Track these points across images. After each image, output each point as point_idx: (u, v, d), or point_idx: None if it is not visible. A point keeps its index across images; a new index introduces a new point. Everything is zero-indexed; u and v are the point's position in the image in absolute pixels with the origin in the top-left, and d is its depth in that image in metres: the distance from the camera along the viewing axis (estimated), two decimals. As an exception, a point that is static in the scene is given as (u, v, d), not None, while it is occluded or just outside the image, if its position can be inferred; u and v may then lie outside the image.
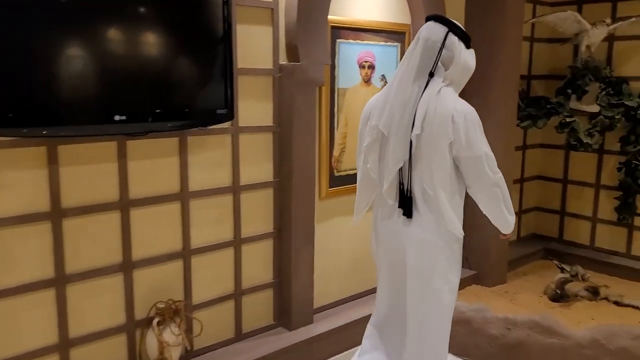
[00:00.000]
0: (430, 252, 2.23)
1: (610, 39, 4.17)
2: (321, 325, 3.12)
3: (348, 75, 3.23)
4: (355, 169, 3.37)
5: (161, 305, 2.52)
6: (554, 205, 4.73)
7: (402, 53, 3.47)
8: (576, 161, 4.53)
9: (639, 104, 4.00)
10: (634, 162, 4.10)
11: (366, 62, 3.30)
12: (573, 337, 2.98)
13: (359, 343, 3.26)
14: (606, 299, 3.77)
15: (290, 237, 2.98)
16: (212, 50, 2.40)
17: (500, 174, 2.25)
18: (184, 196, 2.60)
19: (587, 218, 4.53)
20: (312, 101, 2.95)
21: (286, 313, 3.06)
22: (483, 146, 2.14)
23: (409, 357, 2.39)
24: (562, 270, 3.77)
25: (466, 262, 3.99)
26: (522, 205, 4.68)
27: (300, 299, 3.05)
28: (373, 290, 3.59)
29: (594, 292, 3.78)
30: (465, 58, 2.18)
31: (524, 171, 4.63)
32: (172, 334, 2.50)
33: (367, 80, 3.33)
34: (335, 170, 3.26)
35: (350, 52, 3.20)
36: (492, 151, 2.22)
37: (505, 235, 2.45)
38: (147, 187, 2.48)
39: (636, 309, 3.63)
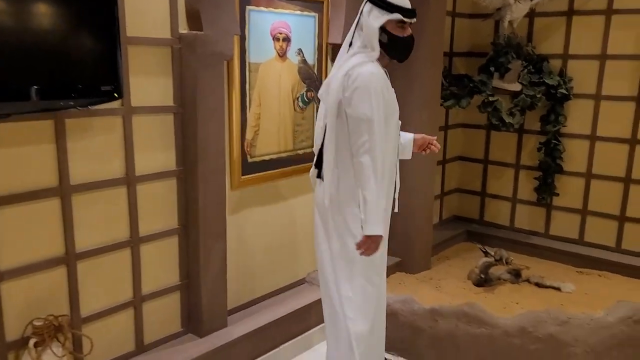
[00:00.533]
0: (326, 215, 2.32)
1: (531, 15, 4.08)
2: (236, 329, 2.80)
3: (261, 48, 2.88)
4: (272, 154, 3.06)
5: (38, 323, 2.09)
6: (475, 187, 4.64)
7: (320, 24, 3.16)
8: (497, 141, 4.45)
9: (559, 83, 3.94)
10: (553, 141, 4.06)
11: (280, 33, 2.96)
12: (501, 326, 2.86)
13: (279, 344, 2.99)
14: (528, 280, 3.71)
15: (198, 232, 2.62)
16: (92, 14, 1.96)
17: (378, 152, 2.14)
18: (64, 191, 2.16)
19: (507, 199, 4.48)
20: (219, 77, 2.58)
21: (196, 318, 2.71)
22: (366, 109, 2.14)
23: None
24: (486, 254, 3.67)
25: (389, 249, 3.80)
26: (444, 187, 4.56)
27: (211, 301, 2.71)
28: (293, 285, 3.32)
29: (516, 275, 3.72)
30: (372, 19, 2.22)
31: (445, 152, 4.50)
32: (54, 356, 2.09)
33: (282, 55, 2.99)
34: (248, 156, 2.91)
35: (263, 21, 2.85)
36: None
37: (361, 242, 2.23)
38: (13, 181, 2.03)
39: (557, 290, 3.59)
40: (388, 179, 2.34)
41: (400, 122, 2.48)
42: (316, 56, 3.18)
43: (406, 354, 3.03)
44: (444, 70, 4.02)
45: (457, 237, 4.48)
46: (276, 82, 2.98)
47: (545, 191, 4.16)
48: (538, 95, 3.92)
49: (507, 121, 3.88)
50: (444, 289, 3.55)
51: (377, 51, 2.23)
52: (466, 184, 4.69)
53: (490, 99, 3.83)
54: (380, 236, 2.20)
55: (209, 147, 2.58)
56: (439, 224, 4.56)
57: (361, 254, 2.23)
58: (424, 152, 2.58)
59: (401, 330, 3.03)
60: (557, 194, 4.16)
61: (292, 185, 3.20)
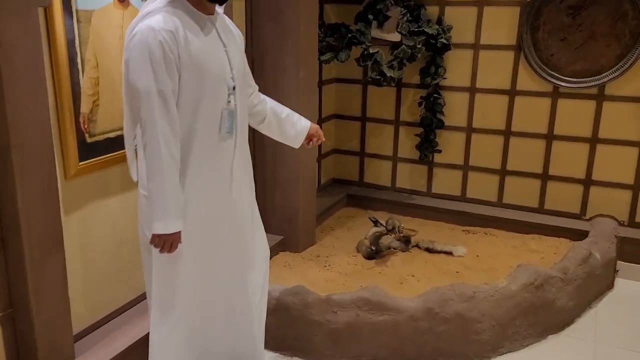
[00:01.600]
0: (139, 202, 1.98)
1: (406, -45, 3.72)
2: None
3: (91, -10, 2.16)
4: (119, 130, 2.38)
5: None
6: (353, 147, 4.30)
7: (170, -39, 2.47)
8: (374, 97, 4.12)
9: (438, 32, 3.65)
10: (434, 95, 3.81)
11: (117, -30, 2.24)
12: (405, 310, 2.56)
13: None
14: (417, 246, 3.49)
15: (20, 244, 1.92)
16: None
17: (160, 132, 1.71)
18: None
19: (387, 158, 4.20)
20: (33, 30, 1.84)
21: (30, 355, 2.04)
22: (143, 78, 1.69)
23: None
24: (376, 224, 3.36)
25: (269, 226, 3.34)
26: (321, 149, 4.15)
27: (49, 330, 2.05)
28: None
29: (405, 242, 3.46)
30: None
31: (321, 111, 4.07)
32: None
33: (121, -1, 2.29)
34: (87, 135, 2.22)
35: (90, -47, 2.12)
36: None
37: (151, 240, 1.83)
38: None
39: (449, 254, 3.41)
40: (210, 168, 1.91)
41: (251, 89, 2.10)
42: None
43: (301, 353, 2.63)
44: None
45: (338, 203, 4.14)
46: (117, 36, 2.29)
47: (427, 148, 3.93)
48: (418, 46, 3.60)
49: (388, 75, 3.53)
50: (335, 267, 3.18)
51: None
52: (344, 144, 4.33)
53: (371, 50, 3.44)
54: (173, 234, 1.79)
55: (25, 126, 1.86)
56: (318, 189, 4.17)
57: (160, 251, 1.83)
58: (308, 145, 2.26)
59: (295, 327, 2.61)
60: (440, 151, 3.96)
61: (149, 166, 2.56)
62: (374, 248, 3.30)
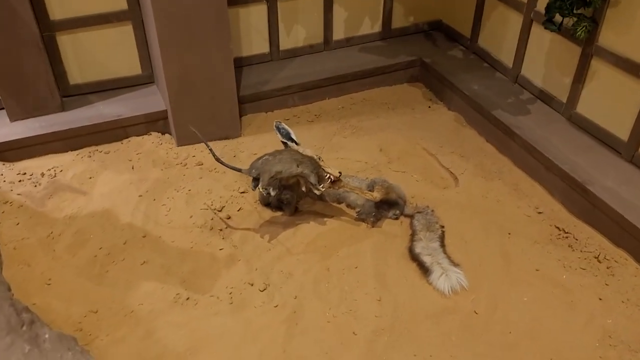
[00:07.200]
0: None
1: None
2: None
3: None
4: None
5: None
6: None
7: None
8: None
9: None
10: None
11: None
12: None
13: None
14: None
15: None
16: None
17: None
18: None
19: (518, 7, 1.91)
20: None
21: None
22: None
23: None
24: (286, 145, 1.55)
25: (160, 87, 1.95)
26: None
27: None
28: None
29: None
30: None
31: None
32: None
33: None
34: None
35: None
36: None
37: None
38: None
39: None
40: None
41: None
42: None
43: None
44: None
45: (400, 69, 2.19)
46: None
47: (562, 7, 1.55)
48: None
49: None
50: (176, 216, 1.65)
51: None
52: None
53: None
54: None
55: None
56: (381, 34, 2.28)
57: None
58: None
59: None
60: (595, 23, 1.53)
61: None
62: (272, 192, 1.56)
